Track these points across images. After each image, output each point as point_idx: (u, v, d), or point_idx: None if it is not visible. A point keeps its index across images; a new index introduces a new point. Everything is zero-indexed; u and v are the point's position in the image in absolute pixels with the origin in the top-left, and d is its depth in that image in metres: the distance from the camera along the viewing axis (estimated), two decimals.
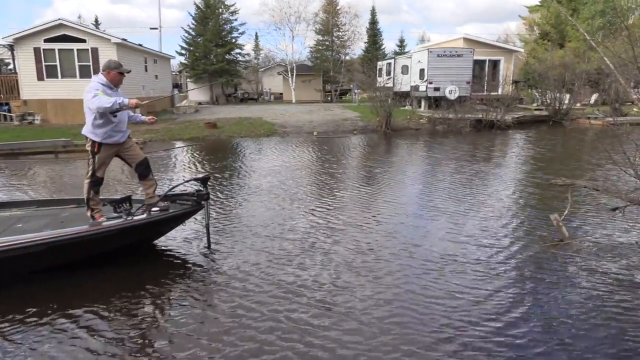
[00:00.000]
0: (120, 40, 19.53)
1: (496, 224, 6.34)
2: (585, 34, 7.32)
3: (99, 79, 4.81)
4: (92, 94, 4.60)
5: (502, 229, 6.09)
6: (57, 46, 18.95)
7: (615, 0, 27.34)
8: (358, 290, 4.30)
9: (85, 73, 18.80)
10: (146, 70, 23.73)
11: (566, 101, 21.18)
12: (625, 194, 6.00)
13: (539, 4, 36.05)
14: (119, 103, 4.61)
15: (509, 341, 3.46)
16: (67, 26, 18.95)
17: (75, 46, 19.06)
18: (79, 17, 47.44)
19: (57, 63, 19.09)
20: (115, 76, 4.89)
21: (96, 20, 50.74)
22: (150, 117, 5.40)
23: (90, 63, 19.00)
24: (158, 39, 35.70)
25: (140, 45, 23.08)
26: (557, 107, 21.14)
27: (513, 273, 4.69)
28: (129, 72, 5.16)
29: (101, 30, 24.34)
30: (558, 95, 21.27)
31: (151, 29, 37.00)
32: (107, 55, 18.77)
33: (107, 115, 4.70)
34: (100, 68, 5.00)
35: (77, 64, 19.13)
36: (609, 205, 6.81)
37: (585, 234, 5.93)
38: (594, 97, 24.52)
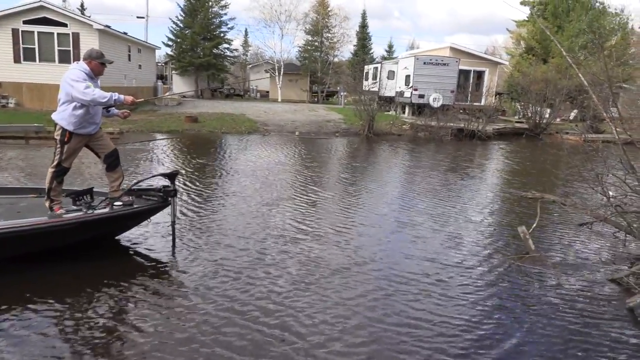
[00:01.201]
0: (103, 27, 19.13)
1: (464, 234, 6.34)
2: (564, 51, 7.40)
3: (80, 66, 4.63)
4: (82, 84, 4.43)
5: (469, 240, 6.09)
6: (36, 28, 18.47)
7: (599, 20, 27.94)
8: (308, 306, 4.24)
9: (64, 58, 18.38)
10: (129, 59, 23.31)
11: (547, 115, 21.50)
12: (592, 210, 6.08)
13: (526, 19, 36.60)
14: (115, 99, 4.50)
15: (471, 354, 3.43)
16: (48, 8, 18.47)
17: (55, 30, 18.61)
18: (64, 0, 46.36)
19: (36, 46, 18.60)
20: (97, 66, 4.72)
21: (82, 5, 49.70)
22: (123, 110, 5.20)
23: (71, 48, 18.58)
24: (144, 28, 35.03)
25: (125, 33, 22.65)
26: (537, 121, 21.45)
27: (477, 285, 4.67)
28: (111, 63, 5.01)
29: (84, 16, 23.84)
30: (539, 109, 21.59)
31: (138, 17, 36.17)
32: (89, 41, 18.38)
33: (87, 106, 4.55)
34: (82, 56, 4.80)
35: (56, 48, 18.67)
36: (577, 221, 6.91)
37: (552, 247, 5.97)
38: (574, 113, 24.95)
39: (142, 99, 5.83)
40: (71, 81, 4.46)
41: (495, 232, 6.60)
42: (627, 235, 5.86)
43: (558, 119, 23.45)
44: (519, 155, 16.00)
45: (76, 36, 18.67)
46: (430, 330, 3.69)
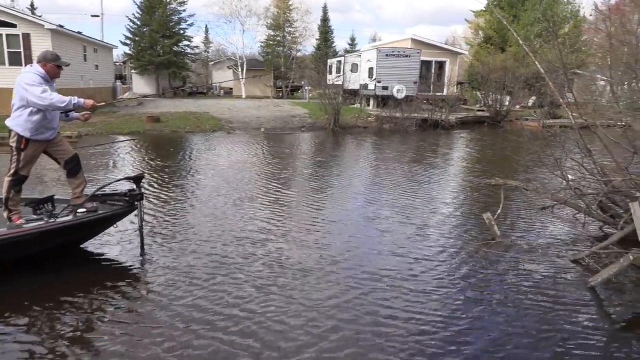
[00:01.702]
0: (55, 27, 18.37)
1: (431, 225, 6.43)
2: (521, 40, 7.58)
3: (35, 70, 4.39)
4: (39, 88, 4.21)
5: (437, 231, 6.18)
6: None
7: (553, 9, 28.87)
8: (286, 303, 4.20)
9: (15, 60, 17.58)
10: (85, 59, 22.50)
11: (506, 103, 22.10)
12: (553, 194, 6.28)
13: (483, 9, 37.41)
14: (74, 104, 4.30)
15: (437, 342, 3.48)
16: None
17: (4, 31, 17.74)
18: (12, 0, 44.25)
19: None
20: (53, 69, 4.50)
21: (32, 5, 47.63)
22: (84, 113, 4.93)
23: (22, 50, 17.77)
24: (100, 27, 33.93)
25: (80, 33, 21.84)
26: (498, 109, 22.02)
27: (445, 271, 4.74)
28: (67, 65, 4.78)
29: (35, 16, 22.81)
30: (499, 97, 22.16)
31: (93, 16, 34.96)
32: (40, 42, 17.63)
33: (45, 111, 4.33)
34: (36, 59, 4.54)
35: (6, 50, 17.81)
36: (539, 205, 7.12)
37: (517, 232, 6.13)
38: (532, 100, 25.74)
39: (104, 103, 5.59)
40: (26, 85, 4.24)
41: (462, 220, 6.72)
42: (587, 216, 6.08)
43: (517, 106, 24.12)
44: (482, 143, 16.39)
45: (27, 37, 17.85)
46: (404, 329, 3.68)
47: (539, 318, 3.87)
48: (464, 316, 3.87)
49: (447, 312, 3.92)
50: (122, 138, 15.00)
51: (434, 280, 4.54)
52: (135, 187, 4.85)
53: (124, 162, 10.81)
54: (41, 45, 17.85)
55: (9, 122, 4.41)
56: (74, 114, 4.82)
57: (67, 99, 4.29)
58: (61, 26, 19.23)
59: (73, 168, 4.76)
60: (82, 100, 4.41)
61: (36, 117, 4.33)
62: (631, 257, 4.16)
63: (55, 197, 4.94)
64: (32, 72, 4.36)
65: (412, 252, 5.27)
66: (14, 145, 4.39)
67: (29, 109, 4.29)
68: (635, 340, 3.58)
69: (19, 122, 4.33)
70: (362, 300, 4.10)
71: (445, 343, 3.47)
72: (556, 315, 3.93)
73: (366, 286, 4.37)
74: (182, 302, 3.97)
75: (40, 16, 24.98)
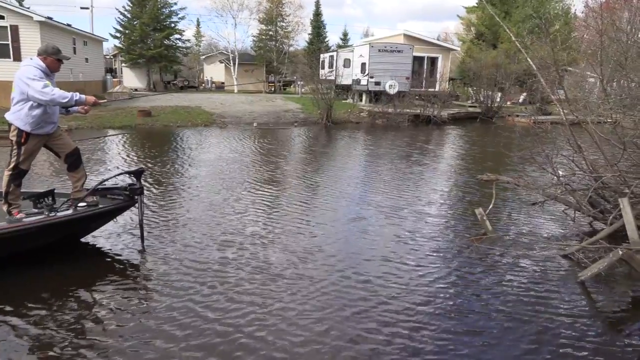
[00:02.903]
0: (44, 19, 18.08)
1: (424, 218, 6.48)
2: (513, 37, 7.62)
3: (35, 63, 4.34)
4: (40, 83, 4.17)
5: (429, 224, 6.23)
6: None
7: (544, 6, 29.02)
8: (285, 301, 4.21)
9: (3, 53, 17.23)
10: (75, 52, 22.18)
11: (498, 99, 22.24)
12: (543, 190, 6.34)
13: (475, 5, 37.51)
14: (76, 100, 4.27)
15: (429, 332, 3.51)
16: None
17: None
18: None
19: None
20: (53, 62, 4.46)
21: None
22: (84, 105, 4.86)
23: (9, 42, 17.41)
24: (89, 19, 33.47)
25: (69, 25, 21.54)
26: (489, 105, 22.16)
27: (437, 265, 4.79)
28: (68, 59, 4.73)
29: (23, 7, 22.46)
30: (490, 93, 22.30)
31: (82, 8, 34.47)
32: (29, 34, 17.38)
33: (45, 106, 4.30)
34: (37, 52, 4.49)
35: None
36: (530, 200, 7.19)
37: (508, 227, 6.19)
38: (523, 96, 25.93)
39: (106, 100, 5.54)
40: (27, 79, 4.19)
41: (454, 215, 6.78)
42: (577, 212, 6.15)
43: (508, 103, 24.31)
44: (473, 139, 16.48)
45: (15, 29, 17.53)
46: (393, 321, 3.73)
47: (529, 311, 3.92)
48: (454, 309, 3.91)
49: (437, 305, 3.96)
50: (112, 132, 14.87)
51: (425, 273, 4.58)
52: (135, 180, 4.84)
53: (116, 157, 10.72)
54: (29, 37, 17.61)
55: (8, 116, 4.37)
56: (74, 108, 4.76)
57: (69, 94, 4.26)
58: (50, 18, 18.95)
59: (74, 162, 4.74)
60: (83, 97, 4.39)
61: (36, 111, 4.30)
62: (620, 252, 4.22)
63: (56, 191, 4.91)
64: (32, 66, 4.31)
65: (404, 246, 5.31)
66: (14, 139, 4.36)
67: (29, 103, 4.26)
68: (624, 333, 3.66)
69: (19, 116, 4.30)
70: (353, 288, 4.13)
71: (433, 337, 3.51)
72: (546, 308, 3.98)
73: (358, 276, 4.40)
74: (182, 296, 3.98)
75: (28, 7, 24.55)
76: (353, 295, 4.09)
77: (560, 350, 3.37)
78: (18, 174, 4.43)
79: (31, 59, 4.44)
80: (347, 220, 6.28)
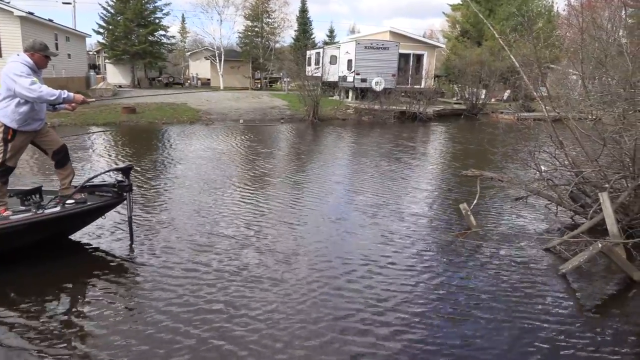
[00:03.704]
0: (25, 14, 17.81)
1: (409, 213, 6.55)
2: (496, 34, 7.72)
3: (23, 59, 4.27)
4: (27, 79, 4.11)
5: (414, 219, 6.30)
6: None
7: (527, 4, 29.36)
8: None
9: None
10: (57, 48, 21.82)
11: (482, 96, 22.49)
12: (526, 185, 6.46)
13: (460, 2, 37.79)
14: (64, 97, 4.23)
15: (417, 331, 3.57)
16: None
17: None
18: None
19: None
20: (40, 59, 4.40)
21: None
22: (72, 104, 4.74)
23: None
24: (72, 15, 32.95)
25: (51, 20, 21.22)
26: (474, 102, 22.40)
27: (421, 260, 4.86)
28: (55, 55, 4.69)
29: (2, 2, 21.99)
30: (475, 90, 22.53)
31: (64, 3, 33.90)
32: (9, 29, 17.11)
33: (32, 103, 4.24)
34: (23, 47, 4.43)
35: None
36: (513, 195, 7.31)
37: (492, 222, 6.29)
38: (507, 93, 26.24)
39: (94, 99, 5.51)
40: (14, 76, 4.13)
41: (439, 210, 6.86)
42: (558, 206, 6.28)
43: (493, 99, 24.58)
44: (458, 135, 16.65)
45: None
46: (376, 319, 3.78)
47: (511, 304, 4.00)
48: (437, 303, 3.98)
49: (421, 300, 4.02)
50: (96, 129, 14.69)
51: (409, 269, 4.64)
52: (124, 177, 4.81)
53: (102, 154, 10.60)
54: (10, 32, 17.33)
55: None
56: (61, 105, 4.71)
57: (57, 92, 4.22)
58: (31, 13, 18.63)
59: (61, 159, 4.70)
60: (71, 94, 4.36)
61: (23, 108, 4.25)
62: (599, 245, 4.33)
63: (43, 188, 4.86)
64: (19, 62, 4.25)
65: (389, 241, 5.36)
66: (0, 135, 4.30)
67: (16, 100, 4.21)
68: (603, 324, 3.76)
69: (5, 113, 4.24)
70: (338, 289, 4.17)
71: (417, 332, 3.56)
72: (527, 300, 4.07)
73: (343, 276, 4.44)
74: (170, 292, 3.97)
75: (8, 2, 24.07)
76: (337, 297, 4.12)
77: (542, 343, 3.44)
78: (5, 171, 4.38)
79: (18, 54, 4.37)
80: (332, 219, 6.30)
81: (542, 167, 6.43)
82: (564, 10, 26.07)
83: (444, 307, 3.93)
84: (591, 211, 5.54)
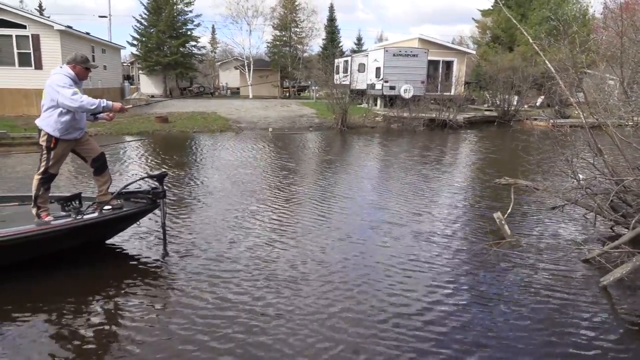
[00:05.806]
0: (64, 28, 18.50)
1: (442, 222, 6.44)
2: (530, 39, 7.53)
3: (65, 71, 4.49)
4: (69, 90, 4.31)
5: (447, 228, 6.19)
6: None
7: (561, 8, 28.66)
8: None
9: (25, 61, 17.69)
10: (94, 60, 22.63)
11: (514, 103, 21.99)
12: (563, 194, 6.24)
13: (490, 8, 37.27)
14: (103, 106, 4.41)
15: (449, 338, 3.48)
16: (4, 10, 17.70)
17: (13, 32, 17.85)
18: (21, 1, 44.78)
19: None
20: (82, 71, 4.62)
21: (40, 6, 48.09)
22: (109, 113, 4.89)
23: (31, 51, 17.86)
24: (107, 28, 34.21)
25: (88, 33, 22.02)
26: (506, 109, 21.92)
27: (456, 271, 4.75)
28: (95, 67, 4.91)
29: (44, 16, 23.02)
30: (507, 96, 22.06)
31: (100, 17, 35.19)
32: (50, 42, 17.81)
33: (74, 112, 4.44)
34: (62, 60, 4.64)
35: (15, 51, 17.89)
36: (549, 204, 7.08)
37: (527, 231, 6.11)
38: (540, 99, 25.59)
39: (131, 106, 5.71)
40: (57, 87, 4.34)
41: (472, 219, 6.72)
42: (598, 216, 6.05)
43: (525, 106, 24.01)
44: (490, 142, 16.31)
45: (36, 38, 17.98)
46: (412, 325, 3.72)
47: (550, 317, 3.86)
48: (473, 314, 3.87)
49: (456, 310, 3.92)
50: (130, 138, 15.10)
51: (444, 278, 4.55)
52: (158, 184, 4.94)
53: (136, 162, 10.87)
54: (51, 45, 18.03)
55: (39, 122, 4.52)
56: (101, 115, 4.89)
57: (97, 101, 4.39)
58: (70, 27, 19.38)
59: (99, 166, 4.87)
60: (110, 103, 4.52)
61: (65, 118, 4.44)
62: None
63: (82, 195, 5.04)
64: (61, 74, 4.45)
65: (422, 251, 5.27)
66: (43, 144, 4.50)
67: (59, 110, 4.40)
68: None
69: (48, 122, 4.44)
70: (371, 292, 4.12)
71: (452, 341, 3.47)
72: (567, 314, 3.92)
73: (378, 282, 4.39)
74: (203, 299, 4.01)
75: (48, 17, 25.16)
76: (372, 299, 4.08)
77: (580, 357, 3.30)
78: (47, 178, 4.57)
79: (61, 67, 4.58)
80: (366, 226, 6.26)
81: (580, 175, 6.21)
82: (600, 14, 25.34)
83: (477, 316, 3.82)
84: (633, 221, 5.30)
